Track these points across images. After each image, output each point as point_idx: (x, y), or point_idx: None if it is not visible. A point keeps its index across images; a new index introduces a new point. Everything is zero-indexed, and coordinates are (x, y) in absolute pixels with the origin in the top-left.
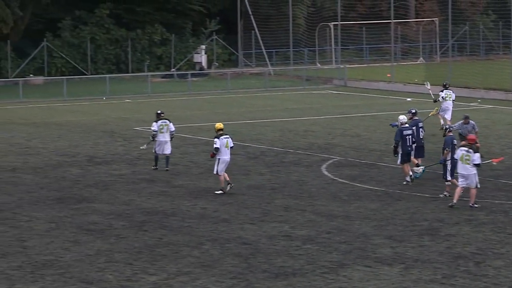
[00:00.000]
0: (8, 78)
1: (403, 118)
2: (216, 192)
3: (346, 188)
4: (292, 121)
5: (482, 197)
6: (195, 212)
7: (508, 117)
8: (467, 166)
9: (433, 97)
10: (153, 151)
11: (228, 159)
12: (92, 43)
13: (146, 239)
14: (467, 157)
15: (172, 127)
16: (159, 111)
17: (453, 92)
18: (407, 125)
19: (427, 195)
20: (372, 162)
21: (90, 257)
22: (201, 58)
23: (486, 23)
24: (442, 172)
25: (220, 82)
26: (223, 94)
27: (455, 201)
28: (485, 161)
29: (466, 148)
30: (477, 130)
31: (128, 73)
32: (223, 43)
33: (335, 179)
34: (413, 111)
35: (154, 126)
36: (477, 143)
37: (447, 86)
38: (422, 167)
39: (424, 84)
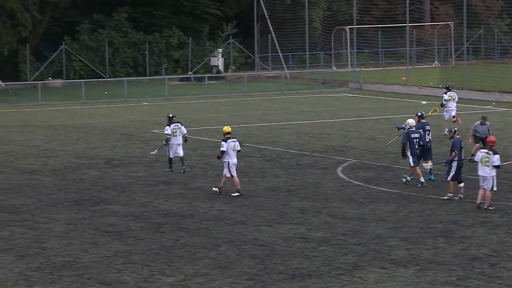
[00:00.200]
0: (27, 81)
1: (412, 121)
2: (232, 194)
3: (361, 190)
4: (308, 124)
5: (496, 200)
6: (212, 214)
7: None
8: (486, 169)
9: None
10: (167, 154)
11: (236, 162)
12: (110, 47)
13: (163, 241)
14: (486, 159)
15: (184, 130)
16: (171, 115)
17: (455, 93)
18: (414, 128)
19: (442, 197)
20: (387, 165)
21: (108, 258)
22: (218, 61)
23: (500, 27)
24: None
25: (236, 85)
26: (240, 97)
27: (479, 201)
28: (504, 162)
29: (486, 150)
30: (490, 131)
31: (145, 76)
32: (240, 46)
33: (350, 181)
34: (420, 113)
35: (168, 130)
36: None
37: (450, 88)
38: (431, 163)
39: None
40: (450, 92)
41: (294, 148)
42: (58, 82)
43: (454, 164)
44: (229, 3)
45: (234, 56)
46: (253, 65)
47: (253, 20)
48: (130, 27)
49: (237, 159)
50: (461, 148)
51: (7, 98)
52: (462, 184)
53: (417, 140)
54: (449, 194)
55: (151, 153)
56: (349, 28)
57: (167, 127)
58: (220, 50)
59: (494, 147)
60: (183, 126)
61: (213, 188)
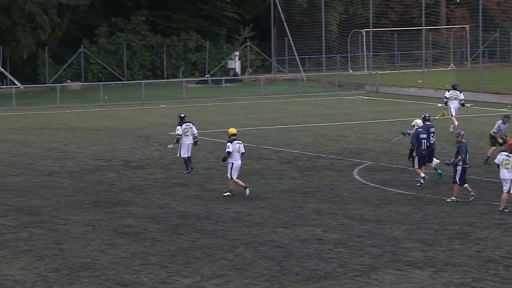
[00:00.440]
0: (45, 83)
1: (420, 122)
2: (224, 194)
3: (377, 193)
4: (324, 126)
5: (511, 202)
6: (229, 215)
7: None
8: (505, 171)
9: (467, 106)
10: (178, 155)
11: (240, 164)
12: (128, 50)
13: (181, 242)
14: (507, 162)
15: (195, 130)
16: (182, 115)
17: (460, 93)
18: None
19: (457, 200)
20: (403, 167)
21: (125, 259)
22: (235, 64)
23: None
24: (472, 177)
25: (253, 88)
26: (256, 99)
27: (503, 207)
28: None
29: (506, 153)
30: (504, 132)
31: (163, 79)
32: (257, 49)
33: (366, 184)
34: (425, 116)
35: (179, 130)
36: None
37: (455, 87)
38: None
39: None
40: (453, 91)
41: (311, 150)
42: (76, 84)
43: (459, 168)
44: (246, 7)
45: (251, 59)
46: (270, 67)
47: (270, 23)
48: (148, 30)
49: (241, 161)
50: (466, 152)
51: (26, 100)
52: (466, 185)
53: (425, 140)
54: (453, 198)
55: (168, 146)
56: (365, 31)
57: (178, 127)
58: (237, 53)
59: None
60: (194, 126)
61: (224, 194)
